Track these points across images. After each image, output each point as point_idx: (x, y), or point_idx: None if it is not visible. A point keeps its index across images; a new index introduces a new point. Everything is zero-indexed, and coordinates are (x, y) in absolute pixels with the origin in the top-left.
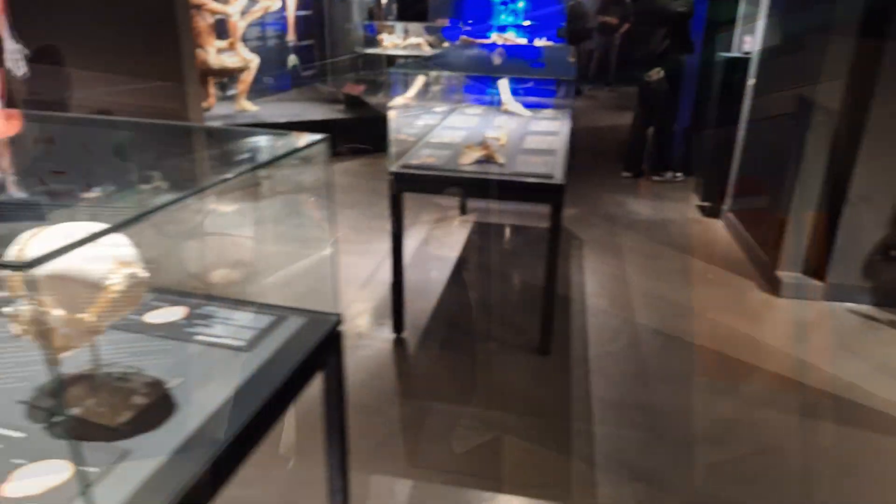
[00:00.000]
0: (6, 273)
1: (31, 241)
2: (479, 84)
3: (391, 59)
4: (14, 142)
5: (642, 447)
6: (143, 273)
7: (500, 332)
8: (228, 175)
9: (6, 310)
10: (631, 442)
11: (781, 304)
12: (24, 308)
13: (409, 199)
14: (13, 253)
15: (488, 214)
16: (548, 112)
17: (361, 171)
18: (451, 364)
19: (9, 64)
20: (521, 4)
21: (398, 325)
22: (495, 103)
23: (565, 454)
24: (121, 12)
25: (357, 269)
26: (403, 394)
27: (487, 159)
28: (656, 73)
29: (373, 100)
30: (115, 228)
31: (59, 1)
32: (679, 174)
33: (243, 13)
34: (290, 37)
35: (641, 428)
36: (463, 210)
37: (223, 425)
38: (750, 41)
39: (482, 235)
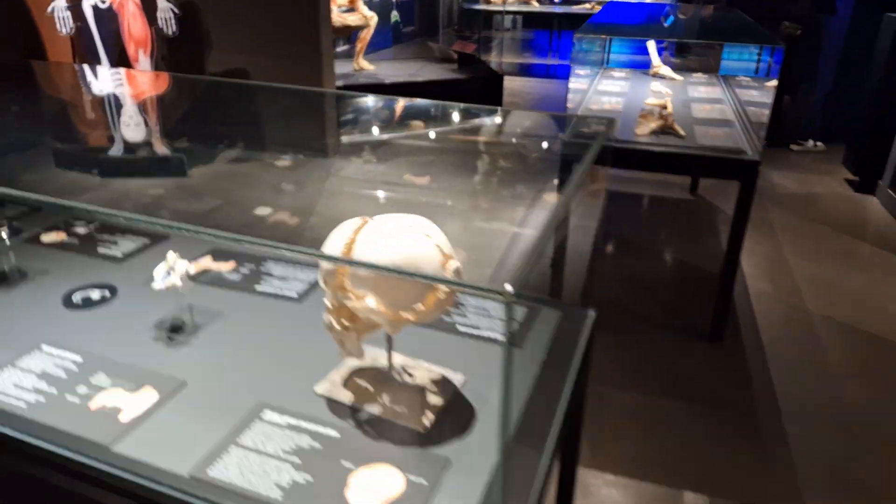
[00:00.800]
0: (329, 266)
1: (363, 237)
2: (619, 45)
3: (489, 15)
4: (161, 100)
5: (845, 452)
6: (459, 266)
7: (659, 312)
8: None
9: (326, 302)
10: (831, 444)
11: None
12: (353, 305)
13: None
14: (338, 248)
15: (619, 182)
16: (699, 76)
17: (476, 129)
18: (614, 345)
19: (160, 23)
20: None
21: None
22: (638, 65)
23: (760, 454)
24: None
25: (496, 239)
26: None
27: (664, 130)
28: (791, 28)
29: (487, 58)
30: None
31: None
32: (819, 143)
33: None
34: None
35: (839, 429)
36: (592, 177)
37: (535, 431)
38: None
39: (617, 205)
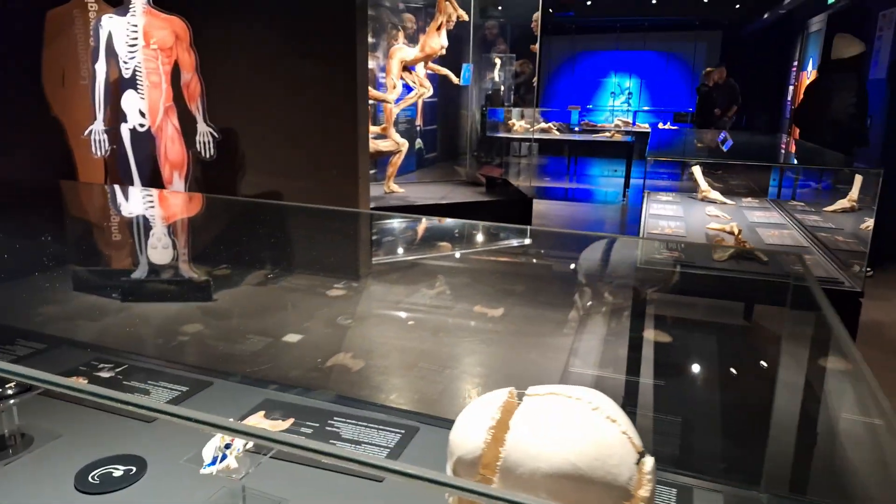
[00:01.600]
0: (469, 454)
1: (520, 423)
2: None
3: (507, 142)
4: (192, 222)
5: None
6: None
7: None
8: None
9: None
10: None
11: None
12: None
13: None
14: (480, 435)
15: (661, 306)
16: (749, 200)
17: (515, 250)
18: None
19: (198, 146)
20: (627, 84)
21: None
22: (676, 189)
23: None
24: (302, 99)
25: (536, 369)
26: None
27: (742, 255)
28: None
29: (514, 182)
30: None
31: (247, 89)
32: (867, 268)
33: (398, 100)
34: (419, 121)
35: None
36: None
37: None
38: None
39: (669, 330)
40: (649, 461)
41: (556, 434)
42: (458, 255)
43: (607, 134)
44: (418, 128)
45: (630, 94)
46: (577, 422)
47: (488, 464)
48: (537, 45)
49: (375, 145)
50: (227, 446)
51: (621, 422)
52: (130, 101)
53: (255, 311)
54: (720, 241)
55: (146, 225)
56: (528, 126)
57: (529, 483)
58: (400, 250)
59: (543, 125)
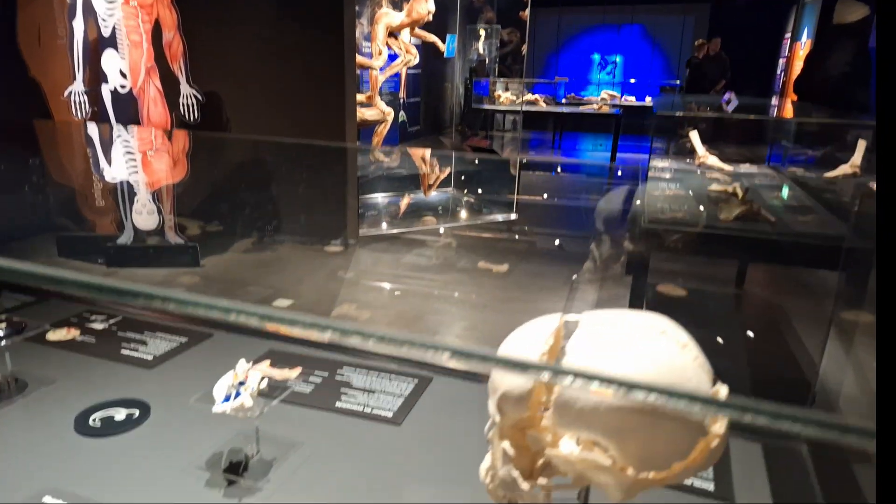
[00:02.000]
0: (516, 388)
1: (578, 345)
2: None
3: (491, 114)
4: (177, 188)
5: None
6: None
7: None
8: None
9: (504, 446)
10: None
11: None
12: (556, 454)
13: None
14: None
15: (663, 275)
16: (747, 166)
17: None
18: None
19: (182, 109)
20: (615, 60)
21: None
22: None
23: None
24: (290, 66)
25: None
26: None
27: (748, 215)
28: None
29: (501, 152)
30: None
31: (231, 51)
32: None
33: (383, 68)
34: (402, 94)
35: None
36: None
37: None
38: None
39: (671, 298)
40: (724, 390)
41: (621, 362)
42: (454, 218)
43: (594, 106)
44: (402, 101)
45: (615, 64)
46: (645, 348)
47: (539, 396)
48: (527, 12)
49: (361, 114)
50: (242, 384)
51: (692, 347)
52: (111, 61)
53: (252, 266)
54: (728, 201)
55: (131, 191)
56: (514, 98)
57: (592, 418)
58: (407, 215)
59: (530, 97)
